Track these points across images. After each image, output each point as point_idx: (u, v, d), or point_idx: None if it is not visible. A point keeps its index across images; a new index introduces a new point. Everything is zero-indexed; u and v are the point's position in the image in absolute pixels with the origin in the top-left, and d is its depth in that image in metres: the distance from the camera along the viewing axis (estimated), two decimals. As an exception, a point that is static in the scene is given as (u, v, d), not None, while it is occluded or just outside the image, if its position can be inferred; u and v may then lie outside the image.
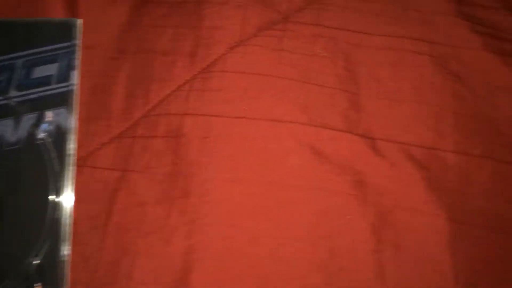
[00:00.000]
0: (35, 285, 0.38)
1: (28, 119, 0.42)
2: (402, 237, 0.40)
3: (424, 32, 0.46)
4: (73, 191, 0.40)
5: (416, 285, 0.38)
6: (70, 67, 0.44)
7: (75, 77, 0.43)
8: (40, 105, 0.42)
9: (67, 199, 0.40)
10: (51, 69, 0.43)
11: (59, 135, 0.41)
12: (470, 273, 0.39)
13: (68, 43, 0.44)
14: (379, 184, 0.41)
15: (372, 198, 0.41)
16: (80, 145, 0.42)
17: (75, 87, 0.43)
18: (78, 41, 0.45)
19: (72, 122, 0.42)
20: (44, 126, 0.42)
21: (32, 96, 0.42)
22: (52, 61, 0.44)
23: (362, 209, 0.40)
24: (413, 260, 0.39)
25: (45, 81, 0.43)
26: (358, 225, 0.40)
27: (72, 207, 0.40)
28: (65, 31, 0.44)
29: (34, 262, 0.38)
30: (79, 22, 0.45)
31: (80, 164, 0.41)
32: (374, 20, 0.47)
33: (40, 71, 0.43)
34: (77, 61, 0.44)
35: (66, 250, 0.39)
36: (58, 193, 0.40)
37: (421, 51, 0.45)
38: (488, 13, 0.47)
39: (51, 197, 0.40)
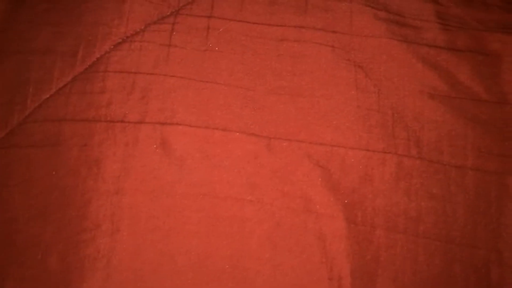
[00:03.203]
0: None
1: None
2: (297, 243, 0.37)
3: (326, 21, 0.43)
4: None
5: (311, 295, 0.36)
6: None
7: None
8: None
9: None
10: None
11: None
12: (368, 278, 0.37)
13: None
14: (274, 187, 0.38)
15: (267, 202, 0.38)
16: None
17: None
18: None
19: None
20: None
21: None
22: None
23: (257, 214, 0.38)
24: (308, 267, 0.37)
25: None
26: (254, 232, 0.37)
27: None
28: None
29: None
30: None
31: None
32: (274, 10, 0.44)
33: None
34: None
35: None
36: None
37: (322, 41, 0.43)
38: (393, -3, 0.44)
39: None
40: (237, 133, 0.39)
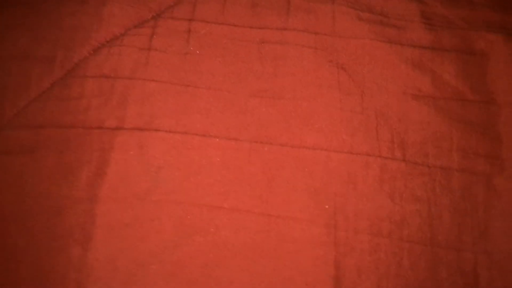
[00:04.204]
0: None
1: None
2: (274, 251, 0.36)
3: (309, 22, 0.43)
4: None
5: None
6: None
7: None
8: None
9: None
10: None
11: None
12: (351, 284, 0.36)
13: None
14: (252, 193, 0.37)
15: (244, 209, 0.37)
16: None
17: None
18: None
19: None
20: None
21: None
22: None
23: (233, 222, 0.37)
24: (286, 275, 0.36)
25: None
26: (228, 241, 0.36)
27: None
28: None
29: None
30: None
31: None
32: (256, 12, 0.43)
33: None
34: None
35: None
36: None
37: (305, 43, 0.42)
38: (375, -2, 0.44)
39: None
40: (217, 139, 0.38)
